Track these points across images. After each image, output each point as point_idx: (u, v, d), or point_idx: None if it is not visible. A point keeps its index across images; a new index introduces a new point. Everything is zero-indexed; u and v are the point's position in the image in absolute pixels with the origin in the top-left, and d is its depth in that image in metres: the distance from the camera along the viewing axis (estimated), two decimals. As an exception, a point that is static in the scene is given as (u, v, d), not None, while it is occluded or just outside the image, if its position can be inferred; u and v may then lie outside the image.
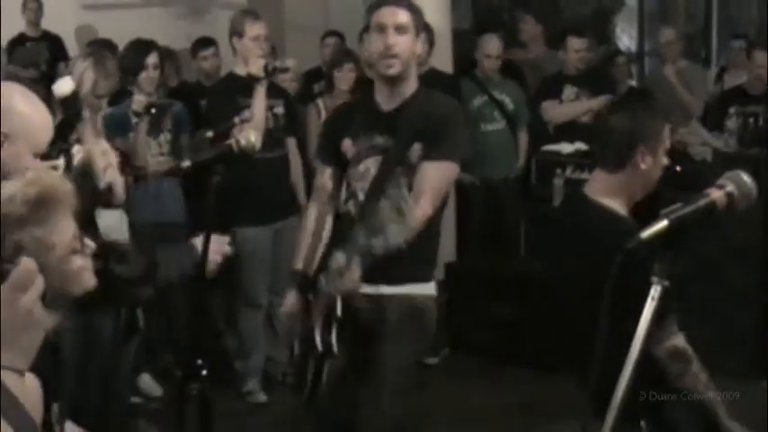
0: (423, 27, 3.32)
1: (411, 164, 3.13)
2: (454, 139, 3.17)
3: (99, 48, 5.03)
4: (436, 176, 3.13)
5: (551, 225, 3.23)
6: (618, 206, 2.78)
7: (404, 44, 3.17)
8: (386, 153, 3.17)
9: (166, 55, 5.96)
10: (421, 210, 3.05)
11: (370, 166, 3.20)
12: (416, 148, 3.13)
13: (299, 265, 3.35)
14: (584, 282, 2.79)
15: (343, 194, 3.30)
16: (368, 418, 3.19)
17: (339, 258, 2.90)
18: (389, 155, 3.15)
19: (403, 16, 3.19)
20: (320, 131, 3.62)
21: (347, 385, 3.25)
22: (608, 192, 2.79)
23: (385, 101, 3.25)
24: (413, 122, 3.15)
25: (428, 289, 3.28)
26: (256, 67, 4.74)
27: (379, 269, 2.94)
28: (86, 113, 4.16)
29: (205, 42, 6.14)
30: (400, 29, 3.18)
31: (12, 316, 1.29)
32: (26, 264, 1.32)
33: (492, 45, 6.20)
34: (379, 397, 3.16)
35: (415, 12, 3.25)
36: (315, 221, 3.37)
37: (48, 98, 5.29)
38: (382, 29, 3.19)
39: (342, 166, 3.29)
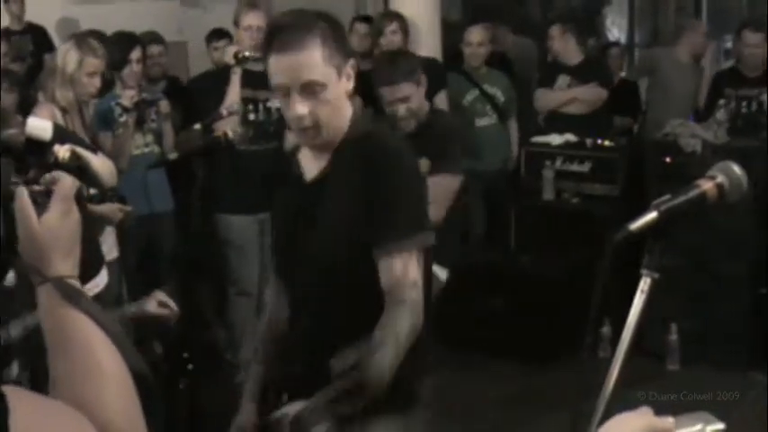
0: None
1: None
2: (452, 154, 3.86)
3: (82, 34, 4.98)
4: (440, 188, 3.69)
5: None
6: None
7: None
8: None
9: (155, 44, 5.91)
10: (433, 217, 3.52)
11: None
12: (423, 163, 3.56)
13: None
14: None
15: None
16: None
17: None
18: None
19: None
20: None
21: None
22: None
23: None
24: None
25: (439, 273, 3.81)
26: (228, 55, 4.77)
27: None
28: (69, 95, 4.07)
29: (218, 33, 6.12)
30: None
31: (70, 225, 1.33)
32: (66, 177, 1.36)
33: (474, 34, 6.10)
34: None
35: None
36: None
37: (28, 95, 5.21)
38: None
39: None
